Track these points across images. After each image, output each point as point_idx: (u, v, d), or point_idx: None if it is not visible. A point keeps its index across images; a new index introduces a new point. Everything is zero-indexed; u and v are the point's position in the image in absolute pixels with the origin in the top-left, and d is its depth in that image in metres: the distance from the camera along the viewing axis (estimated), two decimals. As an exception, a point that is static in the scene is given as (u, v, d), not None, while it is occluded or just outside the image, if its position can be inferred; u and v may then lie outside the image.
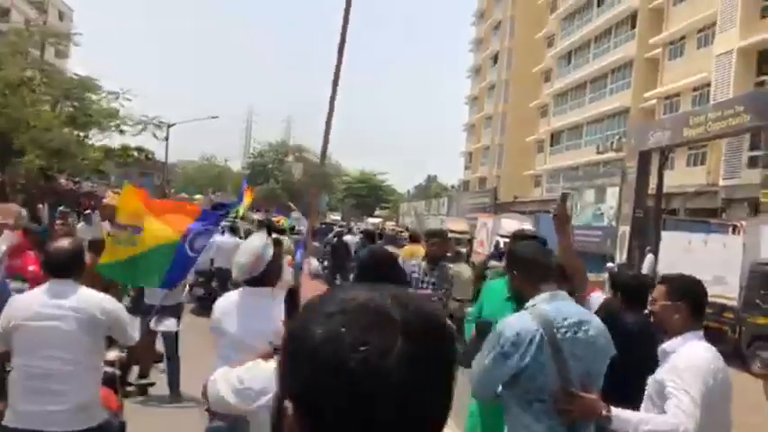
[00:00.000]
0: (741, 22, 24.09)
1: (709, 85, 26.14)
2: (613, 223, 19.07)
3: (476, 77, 60.22)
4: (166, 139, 27.04)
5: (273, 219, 21.55)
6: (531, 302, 2.64)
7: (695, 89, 28.49)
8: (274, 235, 9.91)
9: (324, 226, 24.76)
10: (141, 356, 5.84)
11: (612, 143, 32.91)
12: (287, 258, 7.57)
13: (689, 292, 2.77)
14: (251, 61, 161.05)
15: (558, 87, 42.91)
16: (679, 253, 13.45)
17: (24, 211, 15.61)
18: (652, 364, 2.82)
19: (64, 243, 3.26)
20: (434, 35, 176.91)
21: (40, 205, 17.87)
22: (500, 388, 2.62)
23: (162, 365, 6.35)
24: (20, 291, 4.07)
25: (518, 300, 2.80)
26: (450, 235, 18.46)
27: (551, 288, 2.66)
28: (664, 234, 15.60)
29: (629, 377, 3.54)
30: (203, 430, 3.26)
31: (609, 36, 37.45)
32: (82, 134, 22.13)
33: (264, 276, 3.32)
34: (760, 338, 10.87)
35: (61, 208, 16.49)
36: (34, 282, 4.35)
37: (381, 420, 0.73)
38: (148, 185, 35.47)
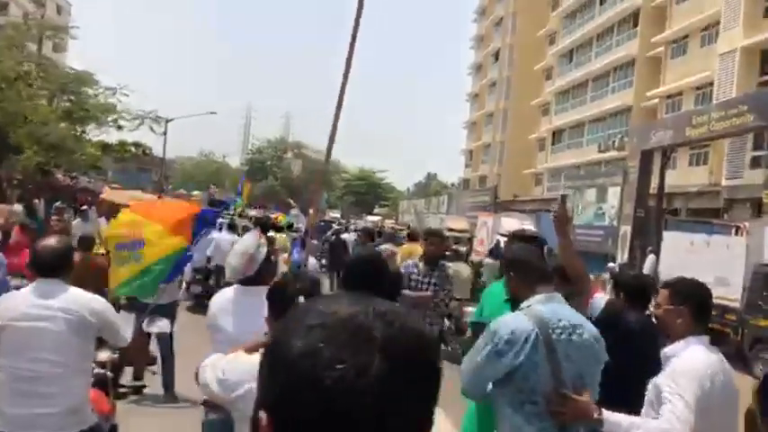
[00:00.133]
0: (745, 20, 23.97)
1: (711, 84, 26.01)
2: (614, 223, 18.96)
3: (477, 75, 60.10)
4: (164, 134, 26.87)
5: (272, 216, 21.42)
6: (526, 303, 2.65)
7: (698, 88, 28.36)
8: (270, 233, 9.80)
9: (323, 224, 24.64)
10: (134, 357, 5.71)
11: (614, 142, 32.75)
12: (282, 256, 7.47)
13: (691, 297, 2.74)
14: (250, 57, 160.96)
15: (559, 85, 42.79)
16: (681, 253, 13.36)
17: (20, 207, 15.52)
18: (654, 365, 2.80)
19: (51, 242, 3.15)
20: (435, 31, 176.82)
21: (36, 200, 17.74)
22: (490, 387, 2.62)
23: (154, 368, 6.23)
24: (20, 288, 3.98)
25: (514, 301, 2.80)
26: (449, 234, 18.36)
27: (547, 290, 2.67)
28: (665, 234, 15.48)
29: (631, 378, 3.56)
30: (196, 429, 3.22)
31: (611, 34, 37.32)
32: (79, 129, 22.00)
33: (258, 276, 3.36)
34: (762, 341, 10.77)
35: (57, 204, 16.37)
36: (33, 279, 4.24)
37: None
38: (146, 181, 35.42)
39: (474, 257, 16.79)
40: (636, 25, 34.66)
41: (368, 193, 69.58)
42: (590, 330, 2.63)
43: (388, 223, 37.02)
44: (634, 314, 3.74)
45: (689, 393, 2.45)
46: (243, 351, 2.23)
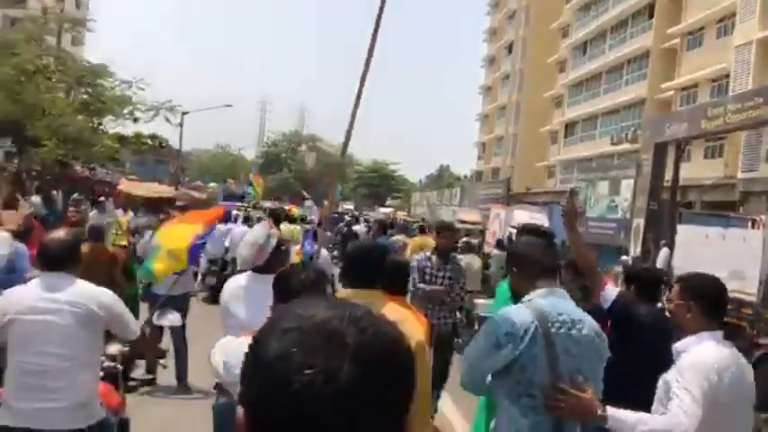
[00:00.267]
0: (761, 12, 23.70)
1: (727, 76, 25.77)
2: (627, 216, 18.87)
3: (490, 67, 59.80)
4: (180, 126, 27.05)
5: (286, 207, 21.56)
6: (527, 297, 2.66)
7: (714, 80, 28.09)
8: (283, 224, 9.88)
9: (336, 215, 24.77)
10: (146, 350, 5.79)
11: (627, 135, 32.54)
12: (295, 248, 7.54)
13: (702, 292, 2.72)
14: (265, 50, 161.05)
15: (572, 78, 42.48)
16: (695, 247, 13.27)
17: (38, 199, 15.74)
18: (666, 359, 2.79)
19: (58, 235, 3.12)
20: (448, 24, 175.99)
21: (54, 192, 17.99)
22: (489, 378, 2.62)
23: (165, 361, 6.26)
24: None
25: (516, 296, 2.82)
26: (461, 226, 18.40)
27: (549, 284, 2.67)
28: (680, 227, 15.38)
29: (641, 372, 3.49)
30: (209, 422, 3.26)
31: (625, 26, 37.00)
32: (96, 121, 22.20)
33: (268, 265, 3.43)
34: (779, 334, 10.69)
35: (75, 195, 16.57)
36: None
37: None
38: (163, 173, 35.66)
39: (486, 249, 16.84)
40: (651, 17, 34.32)
41: (380, 185, 69.58)
42: (591, 326, 2.61)
43: (401, 215, 37.09)
44: (645, 307, 3.73)
45: (696, 387, 2.45)
46: (251, 336, 2.30)
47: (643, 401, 2.72)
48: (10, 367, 2.89)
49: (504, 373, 2.54)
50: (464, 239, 10.64)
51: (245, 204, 19.57)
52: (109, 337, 3.29)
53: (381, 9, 4.44)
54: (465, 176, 67.09)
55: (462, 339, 8.12)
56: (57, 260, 3.01)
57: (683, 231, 14.91)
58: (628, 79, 36.26)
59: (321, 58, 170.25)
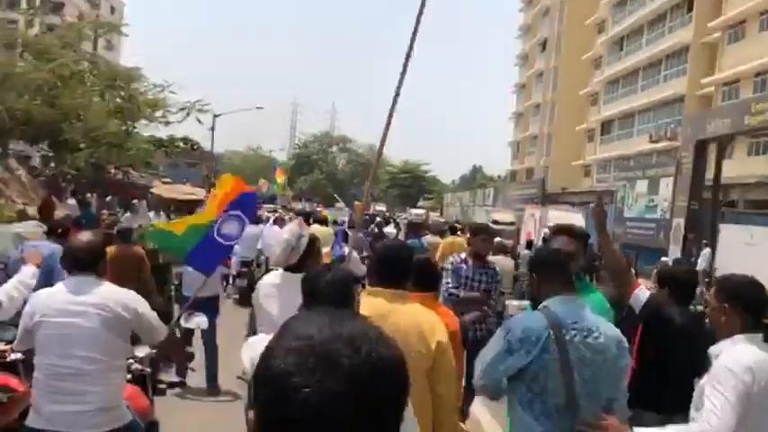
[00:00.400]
0: (807, 3, 22.85)
1: (771, 70, 24.93)
2: (667, 215, 18.37)
3: (523, 65, 59.18)
4: (212, 129, 27.32)
5: (317, 208, 21.59)
6: (543, 304, 2.67)
7: (757, 74, 27.25)
8: (314, 226, 9.78)
9: (367, 217, 24.69)
10: (175, 353, 5.71)
11: (666, 132, 31.73)
12: (325, 250, 7.42)
13: (737, 294, 2.65)
14: (297, 52, 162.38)
15: (608, 74, 41.73)
16: (739, 247, 12.85)
17: (74, 201, 16.01)
18: (702, 363, 2.72)
19: (84, 237, 3.12)
20: (481, 21, 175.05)
21: (89, 195, 18.31)
22: (505, 382, 2.67)
23: (193, 365, 6.23)
24: None
25: (535, 302, 2.83)
26: (495, 226, 18.12)
27: (566, 292, 2.68)
28: (722, 227, 14.93)
29: (676, 376, 3.43)
30: (239, 425, 3.19)
31: (663, 21, 36.16)
32: (130, 125, 22.53)
33: (300, 264, 3.49)
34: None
35: (108, 198, 16.90)
36: None
37: None
38: (196, 176, 36.14)
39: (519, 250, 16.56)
40: (690, 10, 33.46)
41: (412, 186, 69.48)
42: (609, 334, 2.60)
43: (433, 216, 36.89)
44: (678, 310, 3.63)
45: (729, 390, 2.37)
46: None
47: (678, 406, 2.67)
48: (37, 370, 2.90)
49: (516, 378, 2.58)
50: (496, 240, 10.40)
51: (276, 206, 19.63)
52: (137, 339, 3.28)
53: (420, 12, 4.30)
54: (498, 177, 66.50)
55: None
56: (83, 263, 3.01)
57: (726, 231, 14.48)
58: (666, 75, 35.41)
59: (351, 58, 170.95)
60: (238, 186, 4.38)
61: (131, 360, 3.43)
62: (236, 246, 6.70)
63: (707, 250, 14.99)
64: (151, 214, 15.00)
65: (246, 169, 63.36)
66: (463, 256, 5.38)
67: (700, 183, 17.35)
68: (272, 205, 20.75)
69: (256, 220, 11.45)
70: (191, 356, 6.03)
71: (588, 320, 2.60)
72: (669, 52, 35.05)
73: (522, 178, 52.07)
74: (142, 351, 3.59)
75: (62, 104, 19.06)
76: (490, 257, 5.77)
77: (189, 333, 6.03)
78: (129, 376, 3.34)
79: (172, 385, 6.30)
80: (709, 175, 17.61)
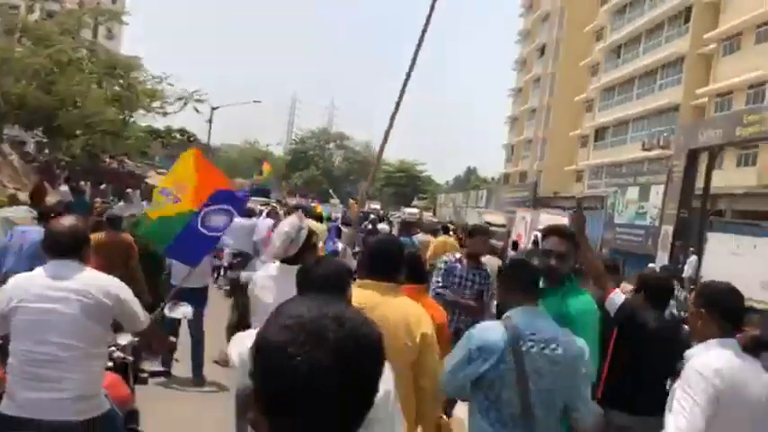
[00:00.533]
0: (802, 17, 23.09)
1: (765, 83, 25.17)
2: (656, 222, 18.55)
3: (521, 70, 59.32)
4: (210, 121, 27.32)
5: (312, 204, 21.66)
6: (506, 314, 2.71)
7: (751, 87, 27.47)
8: (310, 221, 9.86)
9: (362, 214, 24.76)
10: (157, 342, 5.72)
11: (659, 140, 31.98)
12: (319, 245, 7.49)
13: (713, 300, 2.69)
14: (295, 47, 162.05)
15: (605, 82, 41.94)
16: (725, 256, 13.01)
17: (66, 188, 16.01)
18: (673, 365, 2.83)
19: (66, 221, 3.03)
20: (480, 26, 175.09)
21: (83, 182, 18.27)
22: (469, 388, 2.72)
23: (177, 355, 6.15)
24: None
25: (500, 312, 2.87)
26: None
27: (528, 302, 2.72)
28: (710, 236, 15.09)
29: (650, 378, 3.52)
30: (223, 416, 3.24)
31: (661, 30, 36.38)
32: (128, 114, 22.48)
33: (297, 258, 3.48)
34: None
35: (102, 186, 16.90)
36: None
37: (306, 416, 0.95)
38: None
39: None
40: (687, 21, 33.69)
41: (407, 185, 69.53)
42: (569, 346, 2.62)
43: (426, 216, 36.98)
44: (652, 314, 3.71)
45: (698, 393, 2.42)
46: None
47: (652, 409, 2.72)
48: (12, 356, 2.79)
49: (475, 385, 2.65)
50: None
51: (270, 200, 19.68)
52: (119, 327, 3.17)
53: (429, 17, 4.35)
54: (492, 179, 66.67)
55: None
56: (64, 247, 2.90)
57: (713, 240, 14.63)
58: (661, 84, 35.64)
59: (349, 55, 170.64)
60: (215, 181, 4.36)
61: (113, 348, 3.37)
62: (226, 237, 6.67)
63: (693, 258, 15.17)
64: (144, 204, 15.00)
65: (243, 163, 63.23)
66: (458, 255, 5.42)
67: (690, 191, 17.52)
68: (265, 198, 20.75)
69: (249, 213, 11.44)
70: (173, 346, 6.01)
71: (547, 332, 2.62)
72: (665, 62, 35.27)
73: (516, 181, 52.22)
74: (124, 339, 3.51)
75: (59, 90, 18.94)
76: (484, 260, 5.80)
77: (176, 323, 5.79)
78: (110, 364, 3.26)
79: (155, 374, 6.28)
80: (699, 184, 17.80)
